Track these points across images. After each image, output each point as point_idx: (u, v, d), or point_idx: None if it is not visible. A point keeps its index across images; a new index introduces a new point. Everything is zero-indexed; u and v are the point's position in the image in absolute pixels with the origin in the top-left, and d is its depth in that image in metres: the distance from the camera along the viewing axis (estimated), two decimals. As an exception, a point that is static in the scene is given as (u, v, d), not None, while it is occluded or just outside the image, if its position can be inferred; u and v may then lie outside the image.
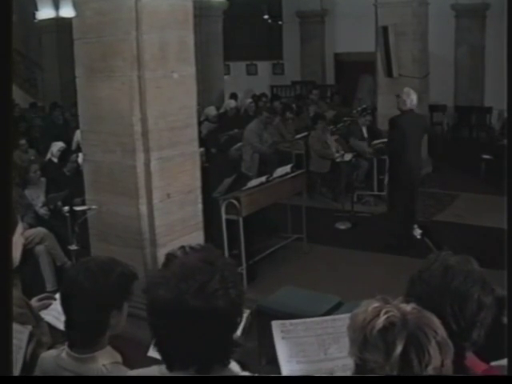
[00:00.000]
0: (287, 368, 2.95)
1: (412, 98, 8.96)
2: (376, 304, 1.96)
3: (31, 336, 2.99)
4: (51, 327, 3.35)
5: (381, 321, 1.89)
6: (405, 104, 8.95)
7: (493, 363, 2.44)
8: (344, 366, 2.93)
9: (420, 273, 2.40)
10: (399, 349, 1.84)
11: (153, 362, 2.32)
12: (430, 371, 1.83)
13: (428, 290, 2.32)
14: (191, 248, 2.15)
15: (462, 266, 2.36)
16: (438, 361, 1.85)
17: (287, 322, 3.12)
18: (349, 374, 2.05)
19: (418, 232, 9.53)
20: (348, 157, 11.18)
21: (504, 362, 2.50)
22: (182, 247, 2.15)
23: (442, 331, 1.92)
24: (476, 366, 2.31)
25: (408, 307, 1.95)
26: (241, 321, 2.13)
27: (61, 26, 17.17)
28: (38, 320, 3.32)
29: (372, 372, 1.88)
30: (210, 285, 2.01)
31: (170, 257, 2.14)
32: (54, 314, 3.34)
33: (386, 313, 1.90)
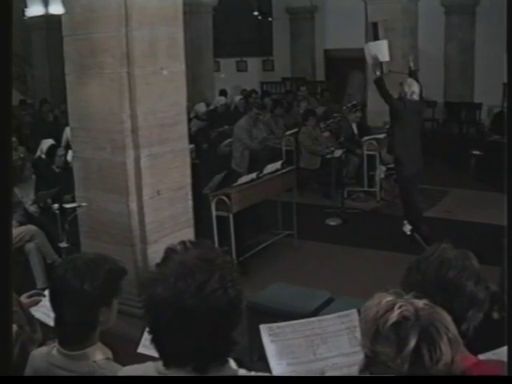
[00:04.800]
0: (278, 370, 2.95)
1: (413, 90, 9.13)
2: (389, 298, 1.96)
3: (17, 336, 2.98)
4: (41, 323, 3.34)
5: (394, 314, 1.89)
6: (405, 93, 9.16)
7: (480, 356, 2.44)
8: (334, 364, 2.94)
9: (417, 262, 2.42)
10: (412, 343, 1.84)
11: (141, 357, 2.31)
12: (440, 367, 1.84)
13: (422, 280, 2.34)
14: (191, 243, 2.11)
15: (459, 261, 2.38)
16: (448, 357, 1.86)
17: (274, 325, 3.13)
18: (339, 372, 2.06)
19: (407, 228, 9.68)
20: (338, 153, 11.20)
21: (491, 354, 2.51)
22: (183, 242, 2.11)
23: (453, 327, 1.93)
24: (465, 359, 2.32)
25: (420, 303, 1.95)
26: (240, 320, 2.11)
27: (50, 22, 17.10)
28: (29, 317, 3.31)
29: (382, 364, 1.89)
30: (209, 284, 1.98)
31: (169, 252, 2.10)
32: (44, 311, 3.33)
33: (399, 307, 1.91)
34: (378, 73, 9.60)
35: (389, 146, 9.99)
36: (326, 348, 3.00)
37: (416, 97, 9.12)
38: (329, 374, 2.87)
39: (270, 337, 3.07)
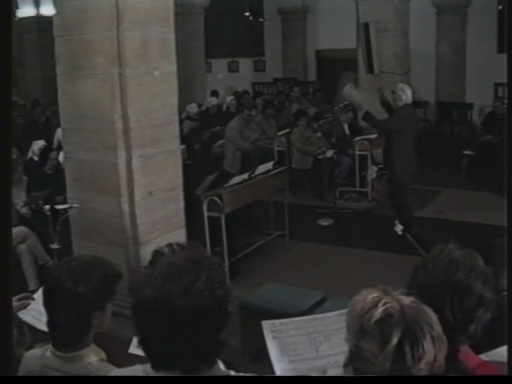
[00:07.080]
0: (280, 367, 2.94)
1: (407, 94, 9.16)
2: (376, 294, 1.97)
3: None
4: (30, 327, 3.32)
5: (379, 311, 1.90)
6: (401, 99, 9.12)
7: (482, 356, 2.45)
8: (336, 362, 2.92)
9: (424, 262, 2.42)
10: (395, 341, 1.85)
11: (135, 359, 2.31)
12: (422, 365, 1.84)
13: (430, 280, 2.34)
14: (179, 245, 2.11)
15: (467, 260, 2.38)
16: (431, 356, 1.86)
17: (277, 321, 3.12)
18: (341, 370, 2.05)
19: (399, 228, 9.71)
20: (330, 153, 11.21)
21: (491, 354, 2.51)
22: (170, 244, 2.11)
23: (437, 326, 1.93)
24: (470, 359, 2.32)
25: (407, 300, 1.95)
26: (228, 321, 2.10)
27: (42, 23, 17.07)
28: (17, 320, 3.30)
29: (366, 360, 1.89)
30: (197, 285, 1.98)
31: (156, 254, 2.10)
32: (33, 314, 3.31)
33: (384, 304, 1.91)
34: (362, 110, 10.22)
35: (385, 162, 9.98)
36: (329, 345, 3.00)
37: (410, 101, 9.19)
38: (331, 371, 2.86)
39: (272, 333, 3.07)
